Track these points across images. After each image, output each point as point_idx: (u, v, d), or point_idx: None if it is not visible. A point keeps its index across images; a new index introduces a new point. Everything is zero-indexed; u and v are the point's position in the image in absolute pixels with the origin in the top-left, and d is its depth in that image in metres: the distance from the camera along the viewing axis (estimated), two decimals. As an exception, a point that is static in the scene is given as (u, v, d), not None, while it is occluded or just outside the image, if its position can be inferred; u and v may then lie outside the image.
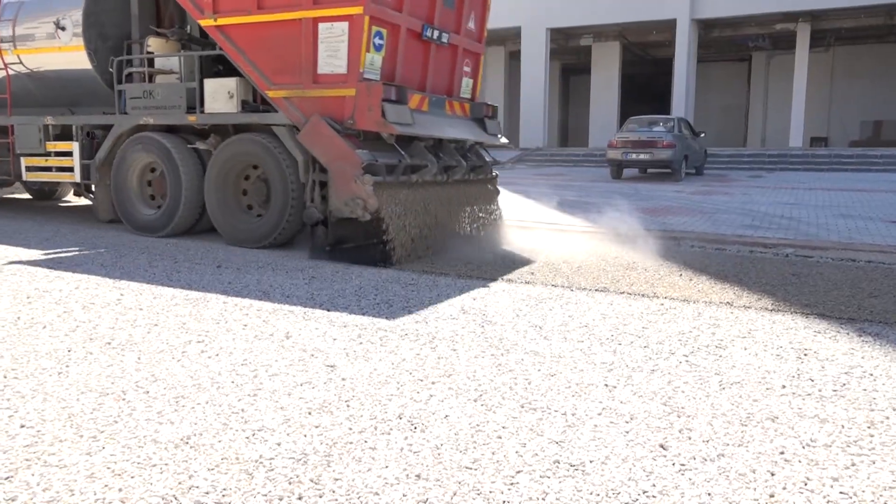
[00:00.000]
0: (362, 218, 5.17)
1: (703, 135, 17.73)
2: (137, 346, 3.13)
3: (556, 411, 2.47)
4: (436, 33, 6.08)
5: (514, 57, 26.07)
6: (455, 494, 1.89)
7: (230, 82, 5.92)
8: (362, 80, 5.32)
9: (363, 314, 3.75)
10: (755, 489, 1.95)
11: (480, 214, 6.58)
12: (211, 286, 4.35)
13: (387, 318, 3.68)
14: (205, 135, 6.16)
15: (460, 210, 6.27)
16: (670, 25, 22.00)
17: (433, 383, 2.73)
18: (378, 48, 5.46)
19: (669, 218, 8.19)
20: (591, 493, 1.91)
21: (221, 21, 5.76)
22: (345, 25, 5.28)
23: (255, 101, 5.97)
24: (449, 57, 6.48)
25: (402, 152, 5.55)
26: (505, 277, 4.78)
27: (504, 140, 7.08)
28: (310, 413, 2.42)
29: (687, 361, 3.05)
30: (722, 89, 28.15)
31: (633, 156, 15.33)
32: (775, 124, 25.38)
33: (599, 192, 11.70)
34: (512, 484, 1.96)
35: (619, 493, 1.91)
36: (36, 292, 4.10)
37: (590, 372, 2.89)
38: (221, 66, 6.37)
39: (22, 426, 2.26)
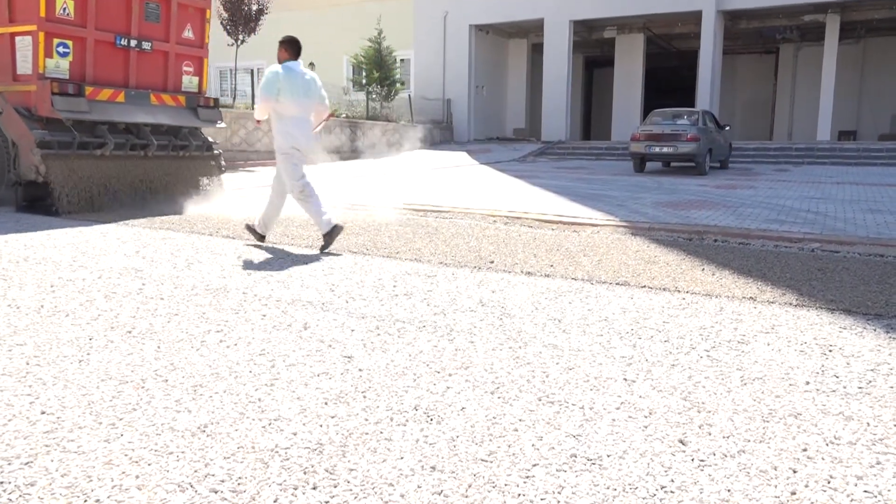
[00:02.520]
0: (38, 180, 7.03)
1: (728, 128, 17.46)
2: (157, 335, 3.15)
3: (573, 405, 2.45)
4: (133, 42, 7.98)
5: (536, 50, 25.90)
6: (470, 487, 1.88)
7: None
8: (42, 78, 7.13)
9: (381, 305, 3.74)
10: (776, 486, 1.91)
11: (202, 182, 8.63)
12: (231, 277, 4.38)
13: (405, 309, 3.67)
14: None
15: (178, 178, 8.32)
16: (696, 17, 21.69)
17: (450, 375, 2.72)
18: (63, 55, 7.39)
19: (692, 212, 8.09)
20: (607, 488, 1.89)
21: None
22: (30, 39, 7.20)
23: None
24: (160, 60, 8.37)
25: (75, 132, 7.24)
26: (524, 270, 4.75)
27: (222, 125, 9.11)
28: (326, 403, 2.42)
29: (708, 356, 3.01)
30: (748, 82, 27.72)
31: (657, 149, 15.15)
32: (802, 118, 24.93)
33: (621, 186, 11.59)
34: (527, 477, 1.94)
35: (636, 489, 1.89)
36: (59, 281, 4.16)
37: (609, 366, 2.86)
38: None
39: (42, 412, 2.29)
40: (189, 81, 8.75)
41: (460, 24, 24.69)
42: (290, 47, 5.58)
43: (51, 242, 5.47)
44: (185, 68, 8.67)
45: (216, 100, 9.07)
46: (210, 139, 8.98)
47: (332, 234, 5.31)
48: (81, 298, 3.77)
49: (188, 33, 8.65)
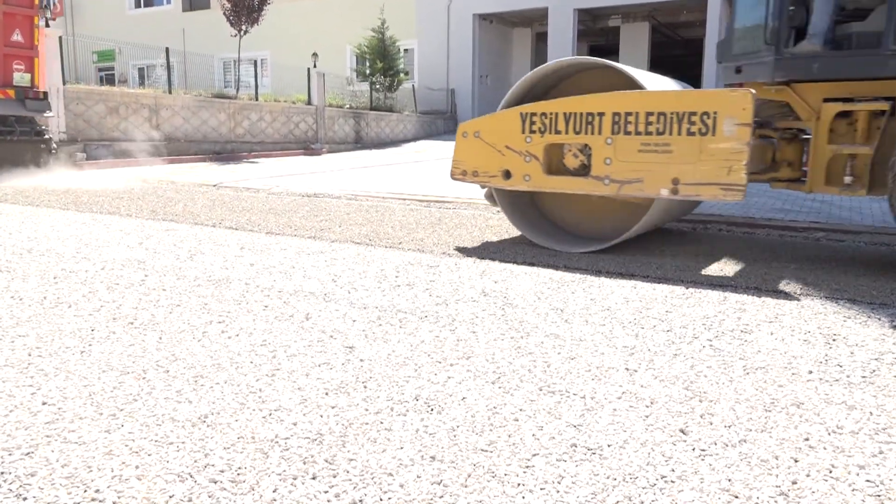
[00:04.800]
0: None
1: (733, 117, 17.34)
2: (159, 326, 3.16)
3: (574, 395, 2.44)
4: None
5: (540, 39, 25.80)
6: (469, 476, 1.88)
7: None
8: None
9: (383, 296, 3.74)
10: (777, 475, 1.90)
11: (30, 164, 10.41)
12: (233, 268, 4.38)
13: (407, 300, 3.67)
14: None
15: (4, 158, 10.04)
16: (701, 4, 21.55)
17: (451, 365, 2.71)
18: None
19: (697, 201, 8.04)
20: (607, 478, 1.88)
21: None
22: None
23: None
24: None
25: None
26: (527, 260, 4.74)
27: (50, 114, 10.82)
28: (327, 394, 2.42)
29: (711, 346, 2.99)
30: (754, 70, 27.50)
31: (662, 138, 15.04)
32: (809, 106, 24.73)
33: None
34: (527, 467, 1.93)
35: (636, 478, 1.88)
36: (62, 273, 4.16)
37: (610, 355, 2.85)
38: None
39: (44, 403, 2.30)
40: (21, 77, 10.44)
41: (464, 14, 24.60)
42: None
43: (55, 235, 5.49)
44: (15, 66, 10.40)
45: (45, 93, 10.73)
46: (44, 127, 10.94)
47: None
48: (84, 290, 3.78)
49: (17, 37, 10.41)
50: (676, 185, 4.43)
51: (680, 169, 4.41)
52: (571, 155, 4.94)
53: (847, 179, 4.53)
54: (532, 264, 4.63)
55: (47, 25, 11.61)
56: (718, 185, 4.30)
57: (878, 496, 1.81)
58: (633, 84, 4.79)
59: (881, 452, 2.04)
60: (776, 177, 5.05)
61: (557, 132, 4.85)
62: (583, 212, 5.54)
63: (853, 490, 1.84)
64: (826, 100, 4.57)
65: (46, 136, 10.85)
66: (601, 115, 4.66)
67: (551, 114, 4.87)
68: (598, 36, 27.08)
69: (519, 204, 5.64)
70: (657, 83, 5.07)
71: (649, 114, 4.48)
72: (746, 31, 4.88)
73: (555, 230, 5.62)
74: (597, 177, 4.75)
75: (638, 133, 4.53)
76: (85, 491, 1.77)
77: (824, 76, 4.48)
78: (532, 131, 4.95)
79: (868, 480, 1.89)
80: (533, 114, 4.95)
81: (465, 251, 5.04)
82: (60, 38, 13.21)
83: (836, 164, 4.60)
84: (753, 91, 4.26)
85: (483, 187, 5.62)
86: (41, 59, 10.90)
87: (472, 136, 5.27)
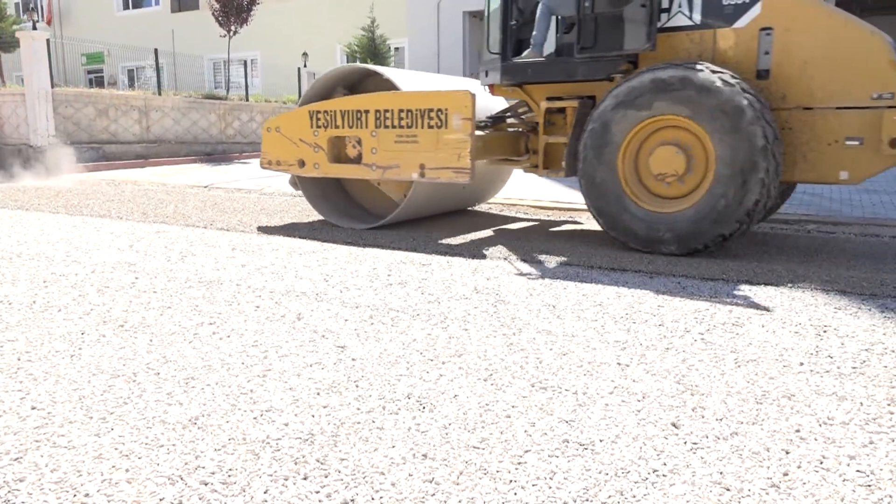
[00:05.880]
0: None
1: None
2: (150, 329, 3.14)
3: (566, 390, 2.44)
4: None
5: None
6: (461, 474, 1.87)
7: None
8: None
9: (376, 295, 3.73)
10: (769, 468, 1.91)
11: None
12: (225, 269, 4.37)
13: (399, 298, 3.66)
14: None
15: None
16: None
17: (443, 363, 2.71)
18: None
19: (688, 195, 8.05)
20: (599, 473, 1.88)
21: None
22: None
23: None
24: None
25: None
26: (520, 256, 4.74)
27: None
28: (318, 393, 2.41)
29: (702, 339, 3.00)
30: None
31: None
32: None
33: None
34: (519, 463, 1.93)
35: (628, 472, 1.88)
36: (52, 276, 4.14)
37: (602, 350, 2.85)
38: None
39: (33, 408, 2.28)
40: None
41: (454, 11, 24.55)
42: None
43: (44, 238, 5.45)
44: None
45: None
46: None
47: None
48: (74, 293, 3.76)
49: None
50: (423, 169, 5.32)
51: (425, 156, 5.30)
52: (351, 146, 5.84)
53: (563, 164, 5.37)
54: (526, 261, 4.63)
55: (34, 28, 11.61)
56: (451, 169, 5.19)
57: (869, 486, 1.82)
58: (394, 86, 5.65)
59: (871, 443, 2.05)
60: (528, 164, 5.85)
61: (337, 127, 5.71)
62: (380, 196, 6.28)
63: (844, 480, 1.84)
64: (548, 98, 5.47)
65: None
66: (367, 112, 5.53)
67: (331, 111, 5.72)
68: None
69: (329, 190, 6.49)
70: (418, 83, 5.85)
71: (401, 111, 5.36)
72: (490, 43, 5.82)
73: (359, 212, 6.46)
74: (367, 164, 5.62)
75: (394, 127, 5.42)
76: (74, 495, 1.76)
77: (537, 79, 5.42)
78: (318, 126, 5.81)
79: (858, 470, 1.89)
80: (318, 112, 5.79)
81: (458, 252, 5.04)
82: (48, 40, 13.13)
83: (550, 151, 5.51)
84: (473, 92, 5.10)
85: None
86: None
87: (275, 130, 6.07)
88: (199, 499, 1.75)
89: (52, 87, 13.02)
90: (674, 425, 2.17)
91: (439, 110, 5.18)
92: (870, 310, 3.46)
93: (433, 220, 6.41)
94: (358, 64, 6.12)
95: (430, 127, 5.22)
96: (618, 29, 4.88)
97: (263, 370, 2.63)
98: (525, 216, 6.81)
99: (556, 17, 5.47)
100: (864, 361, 2.73)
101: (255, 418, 2.21)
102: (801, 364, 2.70)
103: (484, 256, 4.79)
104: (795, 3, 4.65)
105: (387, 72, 5.77)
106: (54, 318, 3.29)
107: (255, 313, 3.39)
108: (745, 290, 3.86)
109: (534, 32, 5.39)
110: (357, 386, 2.48)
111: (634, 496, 1.77)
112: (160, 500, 1.74)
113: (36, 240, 5.38)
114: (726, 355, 2.79)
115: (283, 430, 2.13)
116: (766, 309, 3.47)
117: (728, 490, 1.80)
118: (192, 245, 5.19)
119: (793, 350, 2.86)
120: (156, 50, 16.65)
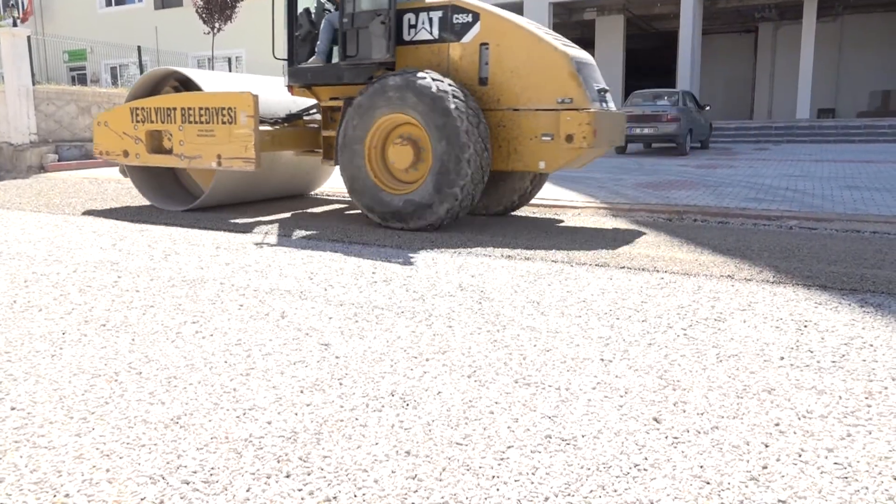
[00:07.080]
0: None
1: (708, 108, 17.52)
2: (132, 328, 3.12)
3: (549, 386, 2.45)
4: None
5: (516, 33, 25.76)
6: (444, 470, 1.88)
7: None
8: None
9: (360, 292, 3.73)
10: (748, 461, 1.93)
11: None
12: (208, 268, 4.34)
13: (384, 296, 3.66)
14: None
15: None
16: (675, -3, 21.69)
17: (427, 360, 2.71)
18: None
19: (673, 192, 8.11)
20: (581, 468, 1.89)
21: None
22: None
23: None
24: None
25: None
26: (505, 254, 4.75)
27: None
28: (302, 391, 2.41)
29: (685, 335, 3.02)
30: (727, 62, 27.77)
31: (637, 130, 15.17)
32: (782, 96, 25.07)
33: (602, 168, 11.60)
34: (502, 459, 1.94)
35: (610, 467, 1.89)
36: (33, 276, 4.10)
37: (586, 346, 2.87)
38: None
39: (13, 408, 2.26)
40: None
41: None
42: None
43: (25, 238, 5.40)
44: None
45: None
46: None
47: None
48: (55, 293, 3.72)
49: None
50: (220, 159, 6.19)
51: (221, 148, 6.18)
52: (167, 138, 6.67)
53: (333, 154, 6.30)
54: (510, 257, 4.64)
55: (15, 25, 11.43)
56: (241, 159, 6.07)
57: (846, 478, 1.84)
58: (198, 87, 6.55)
59: (849, 435, 2.08)
60: (325, 155, 6.60)
61: (152, 122, 6.58)
62: (205, 182, 7.15)
63: (822, 473, 1.86)
64: (331, 98, 6.38)
65: None
66: (175, 109, 6.41)
67: (147, 108, 6.60)
68: (573, 29, 27.11)
69: (164, 178, 7.39)
70: (223, 85, 6.70)
71: (201, 108, 6.26)
72: (276, 49, 6.87)
73: (187, 196, 7.30)
74: (177, 154, 6.49)
75: (197, 122, 6.29)
76: (55, 496, 1.75)
77: (315, 82, 6.37)
78: (138, 121, 6.68)
79: (836, 463, 1.92)
80: (137, 108, 6.67)
81: (444, 246, 5.04)
82: (29, 37, 12.97)
83: (329, 143, 6.44)
84: (256, 93, 6.00)
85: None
86: None
87: (104, 124, 6.94)
88: (181, 498, 1.74)
89: (34, 84, 12.88)
90: (655, 420, 2.18)
91: (230, 108, 6.06)
92: (850, 304, 3.50)
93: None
94: (172, 67, 7.11)
95: (224, 123, 6.11)
96: (368, 41, 5.92)
97: (247, 369, 2.62)
98: (515, 213, 6.82)
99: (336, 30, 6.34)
100: (844, 355, 2.76)
101: (237, 417, 2.21)
102: (782, 358, 2.72)
103: (469, 254, 4.79)
104: (502, 21, 5.66)
105: (193, 74, 6.74)
106: (35, 318, 3.26)
107: (239, 312, 3.37)
108: (728, 285, 3.90)
109: (318, 42, 6.36)
110: (341, 384, 2.48)
111: (616, 490, 1.78)
112: (141, 499, 1.73)
113: (17, 239, 5.32)
114: (708, 350, 2.82)
115: (266, 428, 2.13)
116: (748, 304, 3.50)
117: (708, 483, 1.81)
118: (175, 243, 5.15)
119: (773, 345, 2.89)
120: (139, 47, 16.51)
